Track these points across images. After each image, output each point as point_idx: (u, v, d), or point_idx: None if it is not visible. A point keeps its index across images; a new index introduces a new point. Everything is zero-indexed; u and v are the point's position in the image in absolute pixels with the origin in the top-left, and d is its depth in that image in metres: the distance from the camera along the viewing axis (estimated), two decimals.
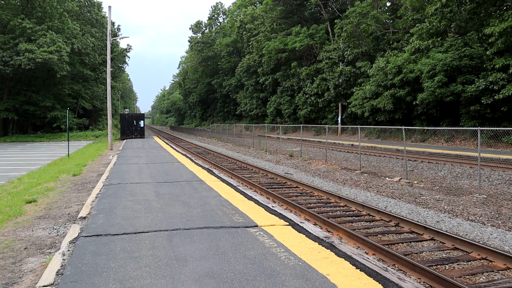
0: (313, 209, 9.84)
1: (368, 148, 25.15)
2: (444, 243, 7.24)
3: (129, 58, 65.63)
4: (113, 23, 61.78)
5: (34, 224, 7.53)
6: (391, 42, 33.90)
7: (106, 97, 33.86)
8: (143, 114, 48.90)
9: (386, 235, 7.94)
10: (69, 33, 43.75)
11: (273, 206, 8.00)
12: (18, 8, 41.26)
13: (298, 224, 6.55)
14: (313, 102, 43.33)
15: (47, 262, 5.16)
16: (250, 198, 8.83)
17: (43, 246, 6.19)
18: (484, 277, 5.88)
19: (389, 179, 14.47)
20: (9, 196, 10.24)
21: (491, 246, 6.91)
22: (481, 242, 7.14)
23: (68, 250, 5.26)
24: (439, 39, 26.98)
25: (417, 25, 28.87)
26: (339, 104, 39.81)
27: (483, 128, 13.44)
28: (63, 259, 4.91)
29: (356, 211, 9.88)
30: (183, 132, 74.68)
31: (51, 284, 4.18)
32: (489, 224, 8.41)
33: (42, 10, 40.93)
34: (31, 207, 9.04)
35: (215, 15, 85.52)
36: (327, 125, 26.22)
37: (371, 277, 4.28)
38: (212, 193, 9.38)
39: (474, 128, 13.99)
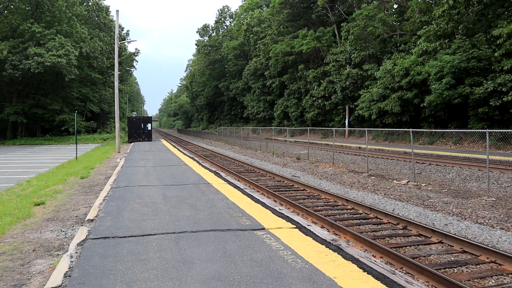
0: (320, 212, 9.81)
1: (376, 150, 25.03)
2: (453, 246, 7.19)
3: (137, 62, 66.05)
4: (122, 28, 62.22)
5: (43, 226, 7.59)
6: (398, 45, 33.78)
7: (113, 100, 34.11)
8: (151, 117, 49.13)
9: (394, 238, 7.90)
10: (77, 37, 44.14)
11: (280, 209, 7.99)
12: (27, 12, 41.70)
13: (305, 227, 6.54)
14: (320, 105, 43.25)
15: (55, 264, 5.20)
16: (257, 201, 8.83)
17: (51, 248, 6.23)
18: (493, 281, 5.82)
19: (397, 182, 14.40)
20: (18, 198, 10.33)
21: (500, 249, 6.85)
22: (490, 245, 7.08)
23: (76, 252, 5.29)
24: (446, 41, 26.84)
25: (424, 27, 28.75)
26: (346, 107, 39.70)
27: (492, 130, 13.35)
28: (71, 261, 4.94)
29: (364, 214, 9.84)
30: (190, 135, 74.89)
31: (59, 286, 4.21)
32: (498, 227, 8.33)
33: (51, 14, 41.32)
34: (39, 209, 9.11)
35: (222, 19, 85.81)
36: (334, 128, 26.14)
37: (378, 280, 4.26)
38: (219, 196, 9.39)
39: (482, 131, 13.90)
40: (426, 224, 8.35)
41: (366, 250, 7.02)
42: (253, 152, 29.98)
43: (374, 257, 6.54)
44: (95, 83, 53.46)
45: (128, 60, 62.44)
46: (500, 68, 22.61)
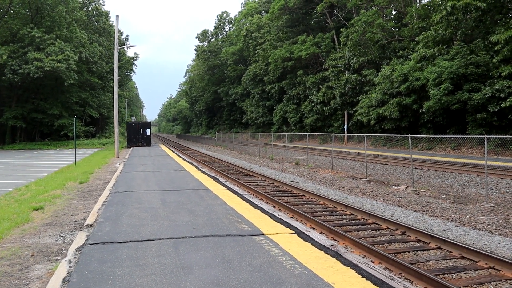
0: (319, 218, 9.81)
1: (374, 156, 25.07)
2: (451, 252, 7.19)
3: (136, 66, 66.24)
4: (121, 33, 62.46)
5: (41, 231, 7.58)
6: (397, 50, 33.92)
7: (113, 105, 34.15)
8: (150, 122, 49.18)
9: (393, 243, 7.90)
10: (77, 42, 44.28)
11: (279, 215, 7.99)
12: (27, 17, 41.84)
13: (304, 233, 6.54)
14: (319, 110, 43.33)
15: (53, 269, 5.19)
16: (256, 206, 8.83)
17: (49, 253, 6.22)
18: (492, 287, 5.83)
19: (396, 188, 14.40)
20: (16, 203, 10.31)
21: (499, 255, 6.85)
22: (488, 251, 7.09)
23: (75, 258, 5.29)
24: (445, 47, 26.96)
25: (422, 33, 28.88)
26: (345, 112, 39.79)
27: (490, 136, 13.39)
28: (69, 267, 4.94)
29: (362, 219, 9.84)
30: (190, 140, 74.90)
31: None
32: (497, 233, 8.34)
33: (51, 19, 41.48)
34: (38, 214, 9.09)
35: (221, 24, 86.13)
36: (333, 133, 26.16)
37: (377, 286, 4.27)
38: (218, 201, 9.39)
39: (481, 136, 13.92)
40: (424, 230, 8.36)
41: (365, 255, 7.02)
42: (252, 157, 29.98)
43: (373, 262, 6.54)
44: (95, 88, 53.56)
45: (127, 64, 62.62)
46: (498, 74, 22.70)
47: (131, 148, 38.99)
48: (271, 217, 7.66)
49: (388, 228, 8.97)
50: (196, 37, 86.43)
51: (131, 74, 69.64)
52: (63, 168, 20.56)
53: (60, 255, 6.11)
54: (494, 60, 23.14)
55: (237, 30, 75.00)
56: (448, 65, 24.47)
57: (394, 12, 39.60)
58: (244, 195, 10.38)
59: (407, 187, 14.34)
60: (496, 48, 22.78)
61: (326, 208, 11.27)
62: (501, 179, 14.66)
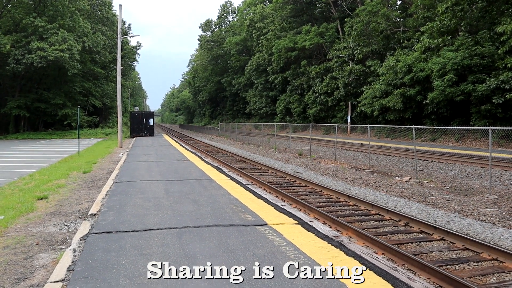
0: (322, 208, 9.82)
1: (378, 147, 25.02)
2: (454, 243, 7.20)
3: (139, 55, 66.23)
4: (123, 22, 62.12)
5: (45, 220, 7.62)
6: (401, 41, 33.64)
7: (116, 95, 34.13)
8: (153, 112, 49.13)
9: (396, 234, 7.91)
10: (80, 32, 44.14)
11: (282, 205, 8.00)
12: (30, 6, 41.71)
13: (307, 223, 6.55)
14: (323, 101, 43.18)
15: (58, 258, 5.22)
16: (259, 196, 8.83)
17: (54, 242, 6.26)
18: (495, 278, 5.83)
19: (399, 179, 14.39)
20: (20, 192, 10.37)
21: (502, 246, 6.85)
22: (491, 243, 7.08)
23: (79, 247, 5.32)
24: (449, 38, 26.70)
25: (427, 23, 28.58)
26: (349, 103, 39.64)
27: (494, 128, 13.33)
28: (74, 255, 4.97)
29: (366, 210, 9.84)
30: (193, 131, 74.92)
31: (62, 280, 4.24)
32: (500, 225, 8.33)
33: (54, 8, 41.33)
34: (42, 203, 9.14)
35: (225, 14, 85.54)
36: (336, 124, 26.06)
37: (380, 276, 4.27)
38: (221, 191, 9.40)
39: (485, 128, 13.89)
40: (428, 221, 8.36)
41: (368, 246, 7.03)
42: (255, 147, 29.98)
43: (376, 253, 6.55)
44: (98, 78, 53.55)
45: (130, 54, 62.43)
46: (503, 65, 22.50)
47: (134, 138, 39.04)
48: (274, 208, 7.66)
49: (391, 219, 8.97)
50: (200, 27, 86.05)
51: (134, 64, 69.57)
52: (67, 157, 20.63)
53: (64, 244, 6.15)
54: (499, 51, 22.93)
55: (240, 20, 74.52)
56: (453, 56, 24.27)
57: (399, 2, 39.25)
58: (248, 185, 10.39)
59: (411, 178, 14.32)
60: (501, 39, 22.55)
61: (329, 198, 11.28)
62: (505, 171, 14.61)
